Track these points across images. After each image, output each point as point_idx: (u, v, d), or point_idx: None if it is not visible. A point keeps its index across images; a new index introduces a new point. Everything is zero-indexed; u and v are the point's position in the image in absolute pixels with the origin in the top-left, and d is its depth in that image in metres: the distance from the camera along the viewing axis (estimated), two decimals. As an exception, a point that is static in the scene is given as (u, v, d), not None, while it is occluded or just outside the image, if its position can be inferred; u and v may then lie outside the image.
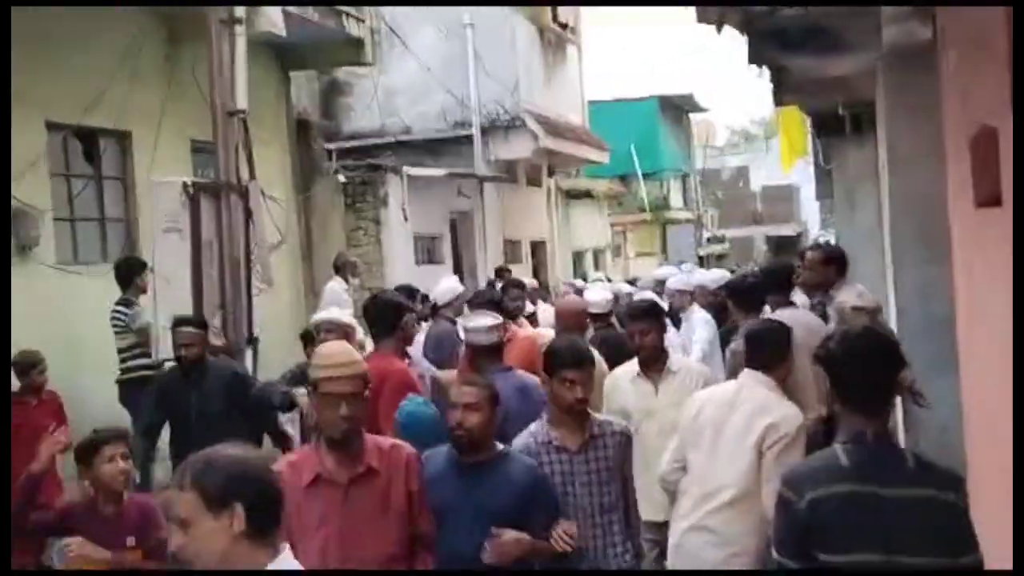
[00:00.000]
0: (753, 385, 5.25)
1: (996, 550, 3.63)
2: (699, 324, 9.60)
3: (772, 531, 3.43)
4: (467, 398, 4.50)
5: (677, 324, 9.57)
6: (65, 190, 10.04)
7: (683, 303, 10.06)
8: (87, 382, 9.02)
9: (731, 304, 7.18)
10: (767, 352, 5.32)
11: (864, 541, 3.21)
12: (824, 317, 7.14)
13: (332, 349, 4.36)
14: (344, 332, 6.89)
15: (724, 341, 7.49)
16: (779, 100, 11.85)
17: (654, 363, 6.09)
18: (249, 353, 9.19)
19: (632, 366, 6.19)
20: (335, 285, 12.88)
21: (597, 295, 8.49)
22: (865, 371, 3.37)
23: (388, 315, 6.31)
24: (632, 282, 15.41)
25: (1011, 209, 3.75)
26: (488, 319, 6.02)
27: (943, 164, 5.79)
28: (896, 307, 7.42)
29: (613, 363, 6.43)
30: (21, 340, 8.44)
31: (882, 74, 8.69)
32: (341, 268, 13.26)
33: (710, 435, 5.17)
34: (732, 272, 13.75)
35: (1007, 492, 3.87)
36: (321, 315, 7.90)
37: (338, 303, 12.73)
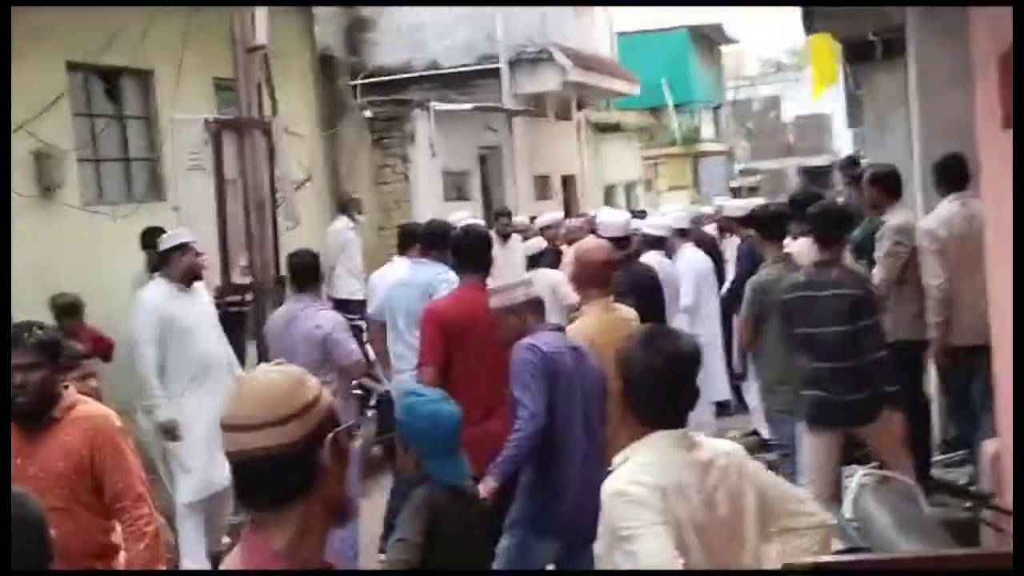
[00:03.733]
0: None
1: None
2: (685, 273, 9.05)
3: None
4: None
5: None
6: (88, 130, 10.01)
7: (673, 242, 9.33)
8: (115, 324, 9.05)
9: (756, 234, 7.07)
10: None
11: (808, 321, 6.06)
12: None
13: None
14: None
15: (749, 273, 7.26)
16: (810, 27, 11.64)
17: None
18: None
19: None
20: (340, 224, 12.77)
21: (612, 217, 8.05)
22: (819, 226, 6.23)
23: (480, 249, 6.22)
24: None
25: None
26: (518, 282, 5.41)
27: (973, 87, 5.65)
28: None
29: (645, 307, 6.05)
30: (48, 283, 8.49)
31: (912, -4, 8.49)
32: (346, 206, 13.11)
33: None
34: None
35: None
36: None
37: (343, 242, 12.65)
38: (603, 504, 3.04)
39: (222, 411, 2.19)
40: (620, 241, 7.27)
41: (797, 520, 3.07)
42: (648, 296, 6.86)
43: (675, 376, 3.10)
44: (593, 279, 5.62)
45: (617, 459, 3.11)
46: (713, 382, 8.90)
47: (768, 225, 6.88)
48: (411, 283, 7.03)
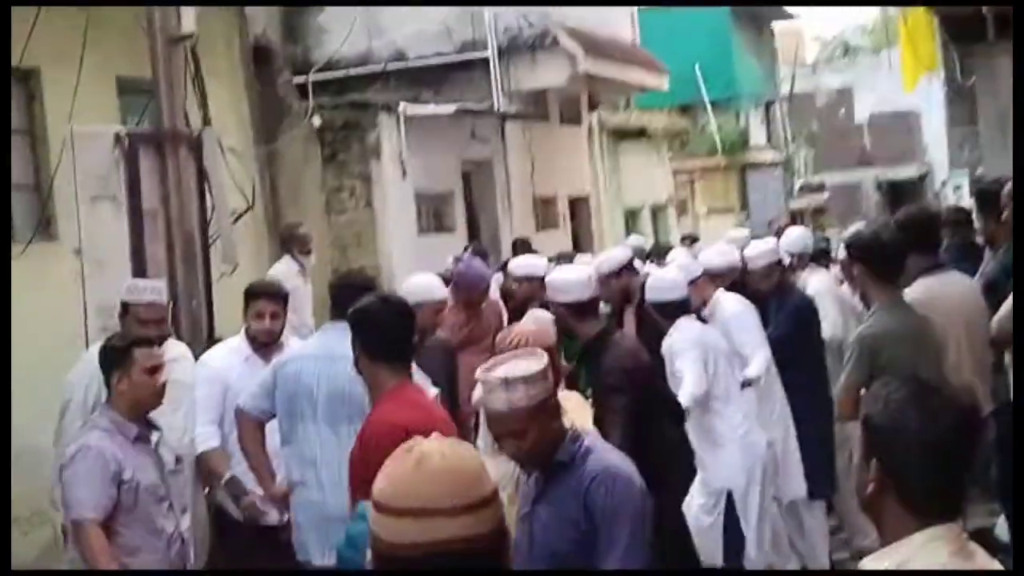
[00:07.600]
0: None
1: None
2: (738, 327, 8.56)
3: None
4: None
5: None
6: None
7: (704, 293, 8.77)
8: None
9: (863, 271, 6.92)
10: None
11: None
12: None
13: None
14: None
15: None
16: (901, -1, 11.78)
17: None
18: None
19: None
20: (283, 268, 12.71)
21: (565, 274, 7.36)
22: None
23: (410, 330, 5.72)
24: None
25: None
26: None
27: None
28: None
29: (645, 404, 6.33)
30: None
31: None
32: (287, 242, 13.00)
33: None
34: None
35: None
36: None
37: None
38: None
39: (385, 494, 2.24)
40: (582, 307, 6.86)
41: None
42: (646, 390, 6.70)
43: (960, 448, 2.98)
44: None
45: (880, 564, 3.00)
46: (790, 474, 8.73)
47: (881, 259, 6.73)
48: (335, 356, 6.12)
